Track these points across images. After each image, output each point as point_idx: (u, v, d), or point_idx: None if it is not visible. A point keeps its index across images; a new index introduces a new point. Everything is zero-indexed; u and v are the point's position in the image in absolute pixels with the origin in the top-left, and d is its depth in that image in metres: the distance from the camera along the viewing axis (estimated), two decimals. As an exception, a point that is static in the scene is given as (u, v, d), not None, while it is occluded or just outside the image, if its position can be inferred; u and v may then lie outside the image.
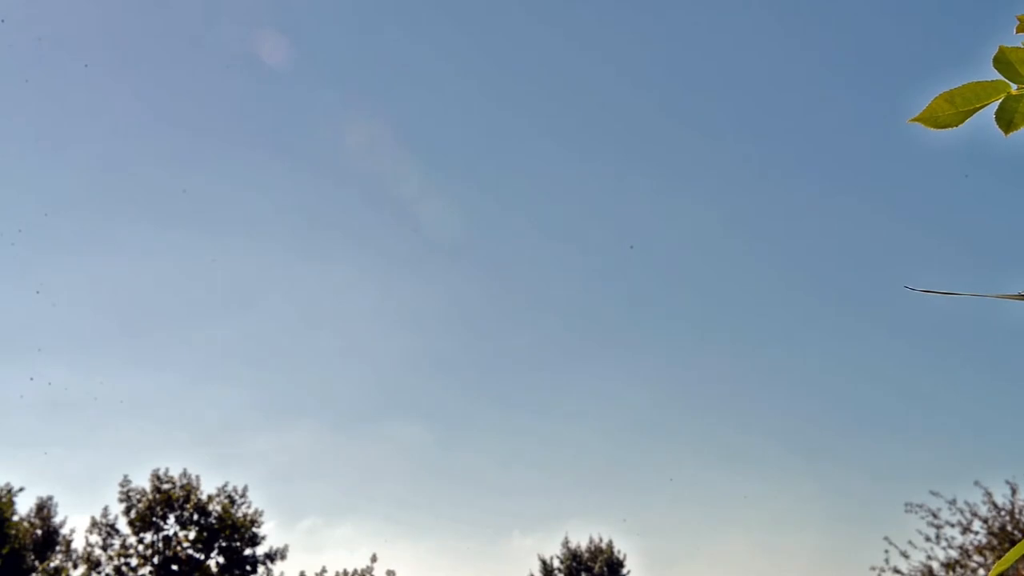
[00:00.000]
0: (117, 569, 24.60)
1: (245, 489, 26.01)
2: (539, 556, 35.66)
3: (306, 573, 25.88)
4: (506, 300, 48.59)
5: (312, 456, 43.12)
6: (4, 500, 24.60)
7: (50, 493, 30.57)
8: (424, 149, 46.81)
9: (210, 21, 42.72)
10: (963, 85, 1.31)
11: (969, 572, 18.69)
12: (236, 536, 25.26)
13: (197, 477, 25.81)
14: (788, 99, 46.22)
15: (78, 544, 29.19)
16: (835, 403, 45.99)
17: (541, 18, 45.74)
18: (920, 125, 1.34)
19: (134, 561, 24.65)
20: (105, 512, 25.26)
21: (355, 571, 25.95)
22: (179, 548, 24.81)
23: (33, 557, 26.61)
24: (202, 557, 24.97)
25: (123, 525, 25.16)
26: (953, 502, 19.06)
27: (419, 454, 44.74)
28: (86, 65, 41.41)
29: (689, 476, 42.92)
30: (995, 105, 1.32)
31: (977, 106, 1.32)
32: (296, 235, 46.82)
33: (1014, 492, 18.94)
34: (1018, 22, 1.31)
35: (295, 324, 46.68)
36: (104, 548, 24.95)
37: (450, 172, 47.60)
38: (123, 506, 25.19)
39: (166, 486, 25.36)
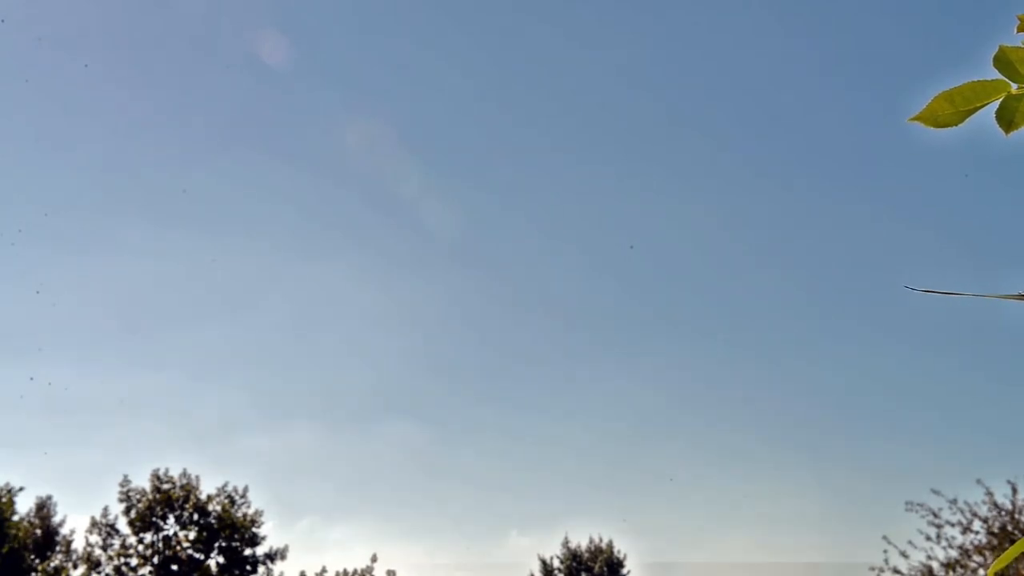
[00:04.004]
0: (117, 569, 24.59)
1: (245, 489, 26.00)
2: (539, 556, 35.67)
3: (306, 573, 25.89)
4: (506, 300, 48.61)
5: (311, 456, 43.16)
6: (4, 500, 24.60)
7: (50, 493, 30.59)
8: (424, 149, 46.84)
9: (210, 21, 42.73)
10: (963, 84, 1.31)
11: (969, 572, 18.67)
12: (236, 536, 25.25)
13: (197, 477, 25.81)
14: (788, 99, 46.23)
15: (78, 544, 29.17)
16: (835, 403, 46.02)
17: (541, 18, 45.77)
18: (920, 124, 1.34)
19: (134, 561, 24.64)
20: (105, 512, 25.26)
21: (355, 571, 25.94)
22: (179, 548, 24.80)
23: (33, 556, 26.62)
24: (202, 557, 24.97)
25: (123, 525, 25.17)
26: (954, 501, 19.03)
27: (418, 454, 44.78)
28: (86, 65, 41.45)
29: (689, 476, 42.95)
30: (995, 104, 1.31)
31: (977, 105, 1.32)
32: (296, 235, 46.86)
33: (1014, 492, 18.92)
34: (1018, 21, 1.31)
35: (295, 324, 46.71)
36: (104, 548, 24.94)
37: (450, 172, 47.61)
38: (123, 506, 25.18)
39: (166, 486, 25.35)
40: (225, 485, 25.95)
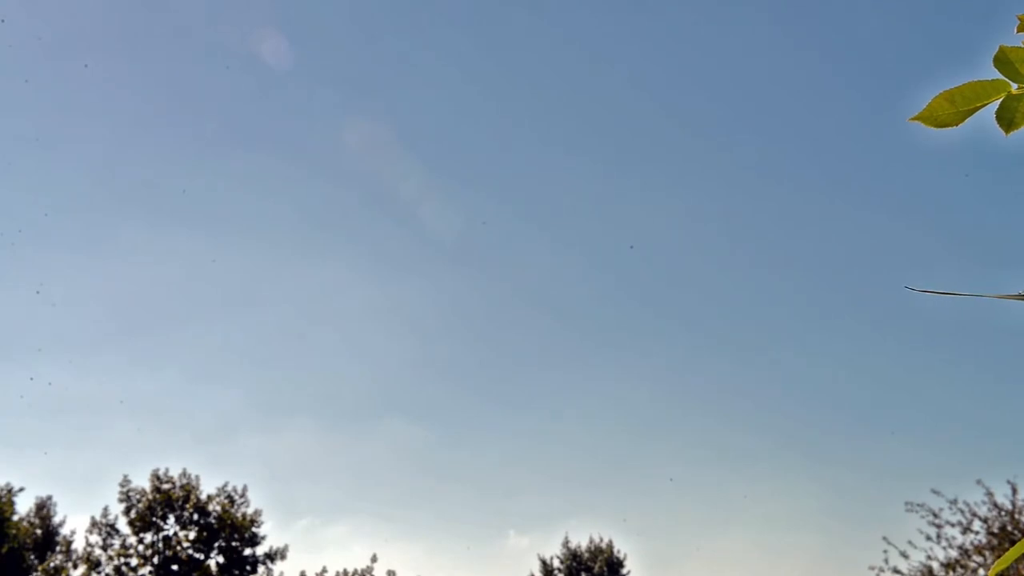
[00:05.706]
0: (117, 569, 24.59)
1: (245, 489, 26.02)
2: (539, 556, 35.69)
3: (306, 573, 25.89)
4: (505, 300, 48.61)
5: (311, 456, 43.16)
6: (4, 500, 24.61)
7: (50, 493, 30.62)
8: (424, 149, 46.85)
9: (210, 21, 42.71)
10: (963, 84, 1.31)
11: (969, 572, 18.67)
12: (236, 536, 25.25)
13: (197, 477, 25.81)
14: (788, 98, 46.24)
15: (78, 544, 29.20)
16: (835, 403, 46.02)
17: (541, 18, 45.76)
18: (920, 124, 1.34)
19: (134, 561, 24.64)
20: (105, 512, 25.26)
21: (355, 571, 25.95)
22: (179, 548, 24.80)
23: (33, 556, 26.63)
24: (202, 557, 24.97)
25: (123, 525, 25.17)
26: (954, 501, 19.04)
27: (418, 454, 44.78)
28: (86, 65, 41.43)
29: (689, 476, 42.94)
30: (995, 104, 1.31)
31: (977, 105, 1.32)
32: (296, 235, 46.85)
33: (1014, 492, 18.92)
34: (1018, 21, 1.31)
35: (294, 324, 46.69)
36: (104, 548, 24.94)
37: (450, 172, 47.61)
38: (123, 506, 25.18)
39: (166, 486, 25.35)
40: (225, 485, 25.97)
